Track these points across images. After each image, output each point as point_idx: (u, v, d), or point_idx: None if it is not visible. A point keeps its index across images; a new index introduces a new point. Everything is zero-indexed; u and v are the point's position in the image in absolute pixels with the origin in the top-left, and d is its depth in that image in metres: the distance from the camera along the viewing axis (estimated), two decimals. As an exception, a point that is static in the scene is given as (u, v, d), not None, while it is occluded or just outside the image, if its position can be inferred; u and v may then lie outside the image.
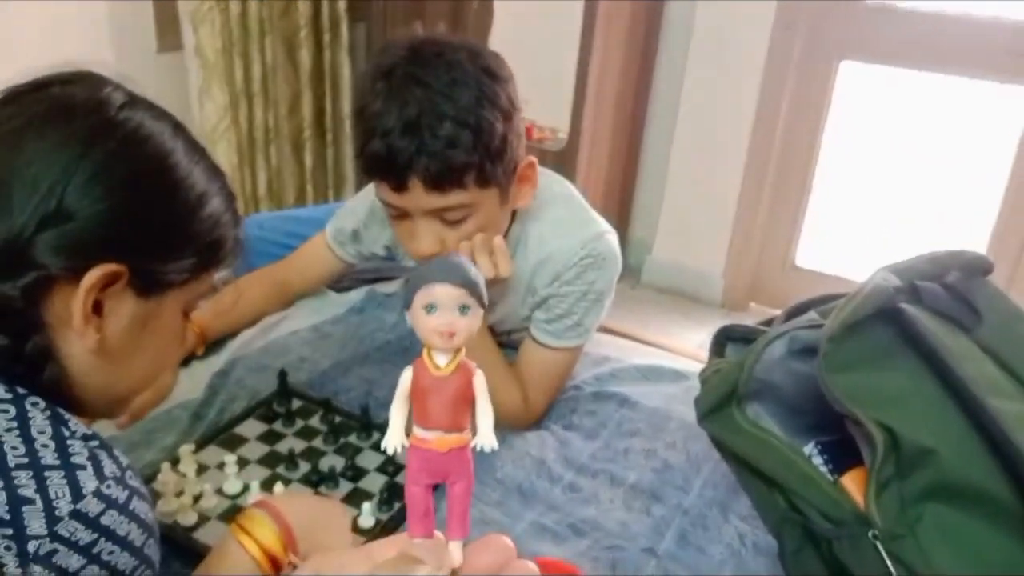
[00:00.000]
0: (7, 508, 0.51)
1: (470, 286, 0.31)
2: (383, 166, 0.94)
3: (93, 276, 0.58)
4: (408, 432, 0.32)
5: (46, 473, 0.53)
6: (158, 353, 0.68)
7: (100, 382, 0.63)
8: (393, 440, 0.32)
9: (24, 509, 0.51)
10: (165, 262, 0.63)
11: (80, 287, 0.58)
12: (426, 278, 0.31)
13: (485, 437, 0.31)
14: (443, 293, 0.30)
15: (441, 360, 0.32)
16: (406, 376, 0.32)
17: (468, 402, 0.32)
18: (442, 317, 0.31)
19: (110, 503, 0.55)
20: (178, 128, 0.66)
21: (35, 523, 0.51)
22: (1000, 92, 2.45)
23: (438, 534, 0.32)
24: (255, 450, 0.99)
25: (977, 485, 0.72)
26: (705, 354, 1.01)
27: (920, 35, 2.46)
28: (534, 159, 1.03)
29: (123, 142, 0.61)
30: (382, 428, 1.02)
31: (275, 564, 0.71)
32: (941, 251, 0.88)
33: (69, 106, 0.61)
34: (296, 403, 1.07)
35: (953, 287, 0.84)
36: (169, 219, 0.64)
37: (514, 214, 1.07)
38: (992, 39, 2.37)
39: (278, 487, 0.92)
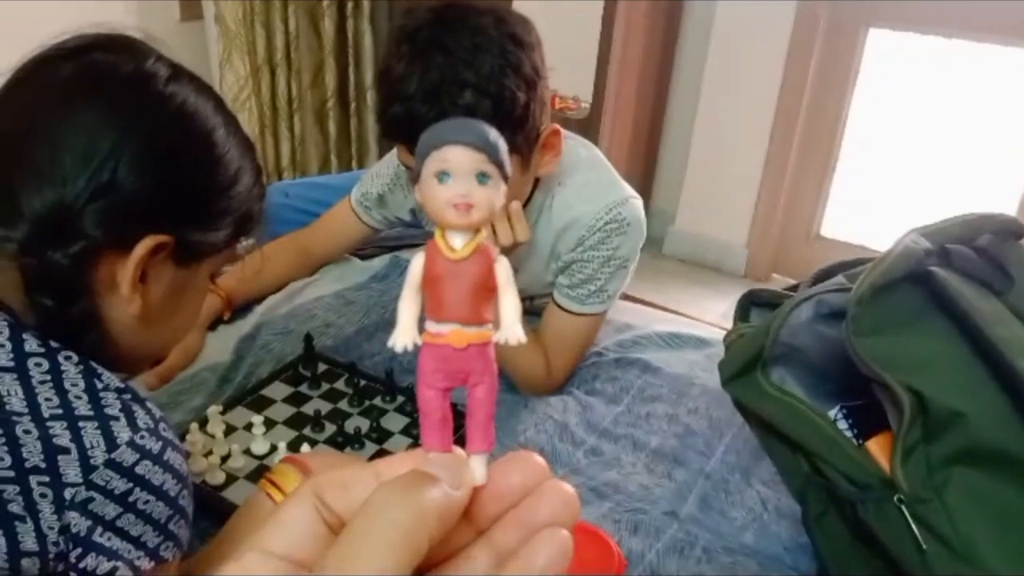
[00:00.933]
0: (43, 456, 0.52)
1: (490, 150, 0.26)
2: (403, 131, 0.94)
3: (144, 246, 0.60)
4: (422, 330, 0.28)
5: (80, 424, 0.54)
6: (189, 316, 0.71)
7: (135, 343, 0.66)
8: (402, 337, 0.27)
9: (60, 458, 0.52)
10: (204, 233, 0.65)
11: (131, 257, 0.60)
12: (438, 140, 0.26)
13: (510, 328, 0.27)
14: (458, 157, 0.26)
15: (457, 241, 0.27)
16: (416, 263, 0.27)
17: (489, 292, 0.27)
18: (457, 186, 0.26)
19: (144, 453, 0.56)
20: (219, 103, 0.67)
21: (71, 471, 0.52)
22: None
23: (457, 449, 0.27)
24: (281, 412, 1.01)
25: (1007, 449, 0.71)
26: (728, 324, 1.00)
27: (950, 1, 2.40)
28: (558, 126, 1.02)
29: (172, 118, 0.63)
30: (406, 392, 1.04)
31: None
32: (972, 214, 0.87)
33: (115, 76, 0.62)
34: (321, 367, 1.08)
35: (984, 250, 0.82)
36: (210, 193, 0.66)
37: (539, 180, 1.07)
38: (1026, 4, 2.31)
39: (304, 448, 0.93)
